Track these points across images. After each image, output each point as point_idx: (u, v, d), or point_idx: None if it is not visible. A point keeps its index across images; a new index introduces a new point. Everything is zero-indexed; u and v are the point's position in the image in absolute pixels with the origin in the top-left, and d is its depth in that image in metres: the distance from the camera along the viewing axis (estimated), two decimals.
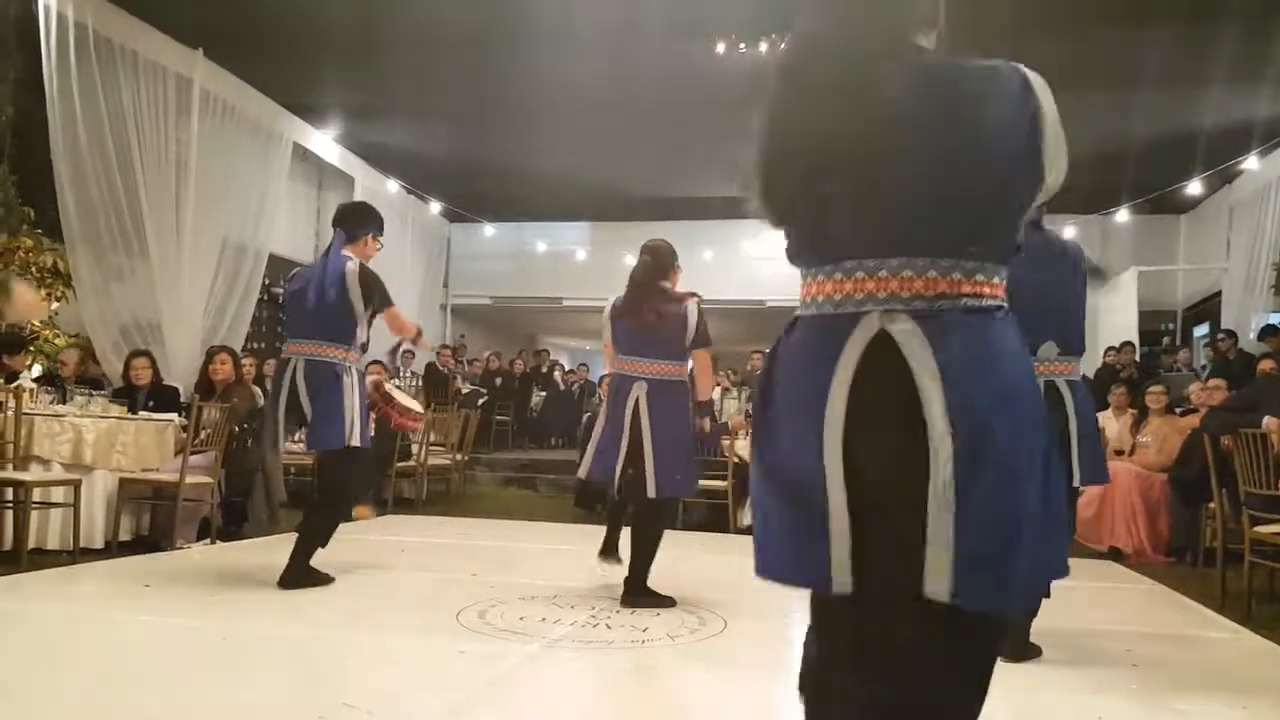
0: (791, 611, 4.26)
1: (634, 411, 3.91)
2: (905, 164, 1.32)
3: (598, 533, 6.71)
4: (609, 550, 4.40)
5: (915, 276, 1.31)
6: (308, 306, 4.08)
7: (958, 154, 1.31)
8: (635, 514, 4.07)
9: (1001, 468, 1.27)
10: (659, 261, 4.06)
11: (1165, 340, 11.76)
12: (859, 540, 1.30)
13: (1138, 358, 10.27)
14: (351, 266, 4.14)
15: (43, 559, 4.62)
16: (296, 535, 4.16)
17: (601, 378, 4.24)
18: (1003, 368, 1.32)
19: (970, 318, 1.31)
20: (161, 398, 6.01)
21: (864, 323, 1.32)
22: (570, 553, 5.66)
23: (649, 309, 3.93)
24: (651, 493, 3.88)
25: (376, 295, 4.19)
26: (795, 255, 1.45)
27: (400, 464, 7.80)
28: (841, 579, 1.31)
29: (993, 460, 1.26)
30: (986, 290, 1.33)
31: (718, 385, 9.20)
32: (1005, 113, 1.31)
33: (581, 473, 4.45)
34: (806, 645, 1.46)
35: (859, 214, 1.35)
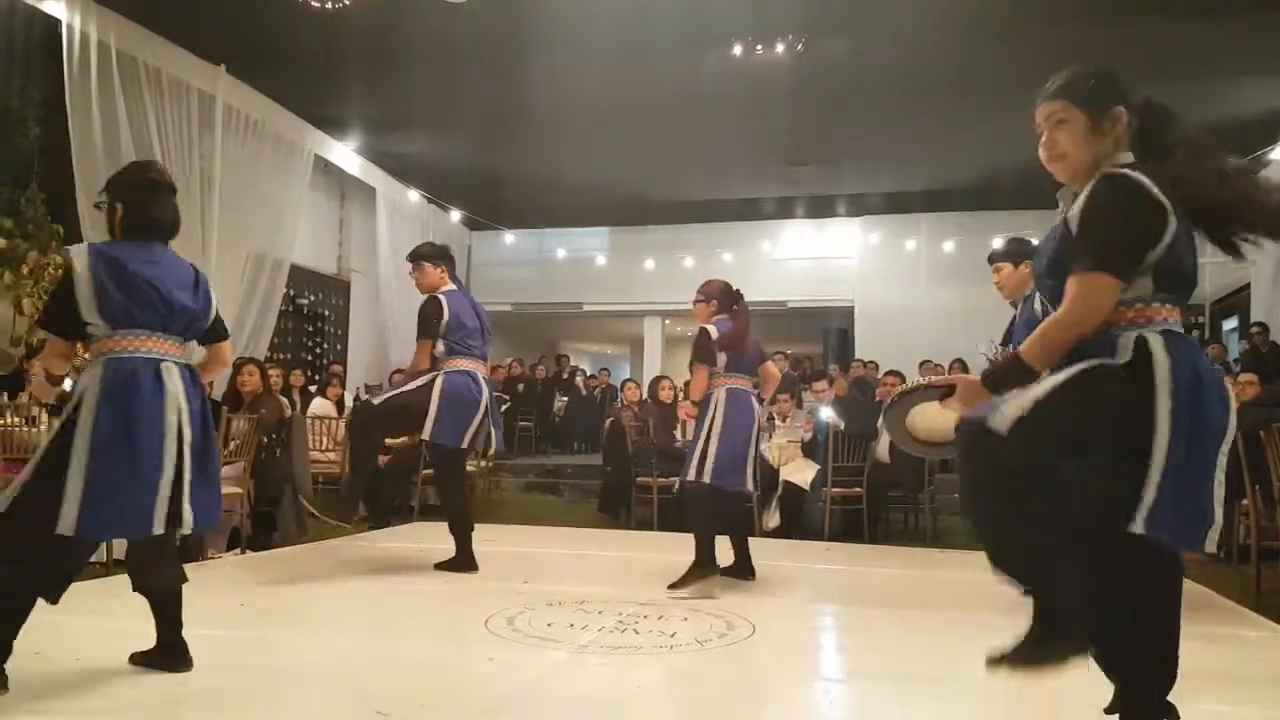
0: (819, 615, 4.26)
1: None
2: None
3: (622, 537, 6.77)
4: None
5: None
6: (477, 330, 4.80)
7: None
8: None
9: None
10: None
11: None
12: None
13: None
14: None
15: None
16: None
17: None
18: None
19: None
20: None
21: None
22: (596, 558, 5.67)
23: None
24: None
25: None
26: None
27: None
28: None
29: None
30: None
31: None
32: None
33: (707, 478, 4.31)
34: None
35: None
